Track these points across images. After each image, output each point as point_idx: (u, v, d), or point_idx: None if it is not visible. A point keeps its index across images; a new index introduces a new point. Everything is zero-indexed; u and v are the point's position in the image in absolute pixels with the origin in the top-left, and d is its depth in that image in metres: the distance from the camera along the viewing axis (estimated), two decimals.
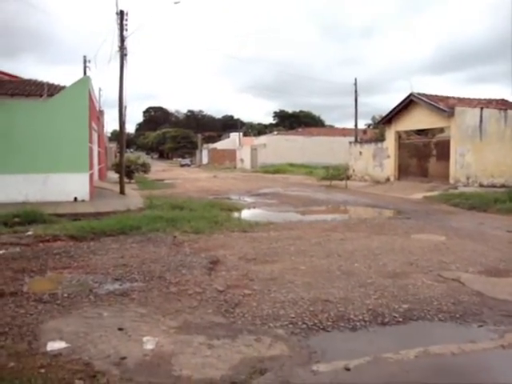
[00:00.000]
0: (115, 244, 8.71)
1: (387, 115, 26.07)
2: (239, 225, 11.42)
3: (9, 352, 4.14)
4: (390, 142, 26.26)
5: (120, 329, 4.68)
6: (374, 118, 42.47)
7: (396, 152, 26.02)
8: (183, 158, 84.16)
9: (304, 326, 4.98)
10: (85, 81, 16.85)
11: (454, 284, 6.52)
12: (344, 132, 54.77)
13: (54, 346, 4.30)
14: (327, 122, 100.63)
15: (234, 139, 75.39)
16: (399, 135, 26.31)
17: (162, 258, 7.58)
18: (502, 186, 20.69)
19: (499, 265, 7.62)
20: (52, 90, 17.79)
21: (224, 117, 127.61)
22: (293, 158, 48.70)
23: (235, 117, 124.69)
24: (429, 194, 19.74)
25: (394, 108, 25.12)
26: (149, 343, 4.43)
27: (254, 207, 16.53)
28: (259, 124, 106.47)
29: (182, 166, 72.36)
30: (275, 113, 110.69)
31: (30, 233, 9.90)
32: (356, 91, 37.29)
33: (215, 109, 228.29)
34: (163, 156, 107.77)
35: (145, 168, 28.63)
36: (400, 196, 20.40)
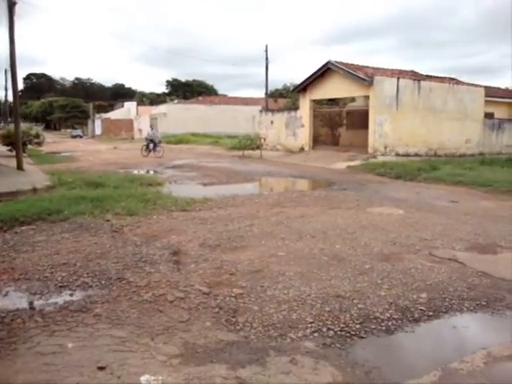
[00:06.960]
0: (40, 235, 6.89)
1: (302, 83, 25.19)
2: (175, 203, 9.99)
3: None
4: (305, 111, 25.63)
5: (101, 368, 3.31)
6: (285, 86, 41.88)
7: (311, 121, 25.55)
8: (74, 128, 78.17)
9: (331, 332, 4.02)
10: None
11: (455, 265, 5.91)
12: (245, 101, 53.94)
13: None
14: (220, 92, 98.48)
15: (128, 108, 71.02)
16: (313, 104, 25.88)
17: (110, 252, 6.04)
18: (416, 154, 21.18)
19: (478, 239, 7.21)
20: None
21: (114, 85, 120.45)
22: (194, 128, 46.77)
23: (126, 86, 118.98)
24: (351, 163, 19.55)
25: (310, 76, 24.21)
26: None
27: (176, 181, 15.07)
28: (151, 93, 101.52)
29: (74, 137, 67.09)
30: (168, 81, 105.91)
31: None
32: (267, 58, 36.40)
33: (104, 77, 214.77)
34: (50, 127, 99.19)
35: (39, 139, 25.41)
36: (321, 166, 19.97)
